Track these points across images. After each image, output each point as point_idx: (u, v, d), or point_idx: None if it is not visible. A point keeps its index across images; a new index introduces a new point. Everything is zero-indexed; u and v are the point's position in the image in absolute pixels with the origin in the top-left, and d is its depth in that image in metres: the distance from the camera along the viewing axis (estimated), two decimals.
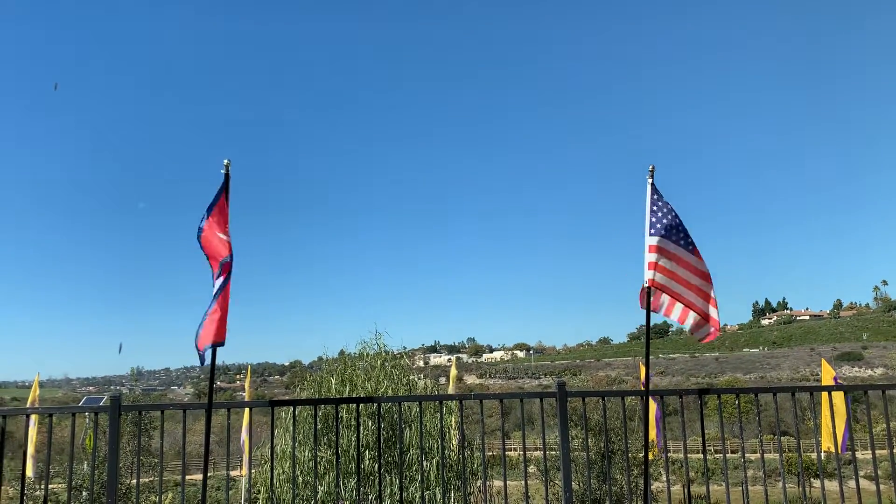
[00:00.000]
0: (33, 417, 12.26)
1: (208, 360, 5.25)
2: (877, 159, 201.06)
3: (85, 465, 18.57)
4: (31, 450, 12.54)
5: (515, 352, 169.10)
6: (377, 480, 7.08)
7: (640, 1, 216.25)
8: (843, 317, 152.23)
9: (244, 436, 17.40)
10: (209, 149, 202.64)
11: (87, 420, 15.41)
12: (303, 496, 9.36)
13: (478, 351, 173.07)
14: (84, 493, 18.36)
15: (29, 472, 12.50)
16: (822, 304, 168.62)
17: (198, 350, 5.08)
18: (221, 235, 5.25)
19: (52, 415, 5.98)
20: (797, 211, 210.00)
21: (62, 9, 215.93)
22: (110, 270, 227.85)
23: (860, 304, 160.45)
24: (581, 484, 16.28)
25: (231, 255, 5.23)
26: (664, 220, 5.42)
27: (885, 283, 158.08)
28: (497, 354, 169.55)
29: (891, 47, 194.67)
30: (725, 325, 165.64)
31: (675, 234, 5.43)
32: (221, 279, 5.18)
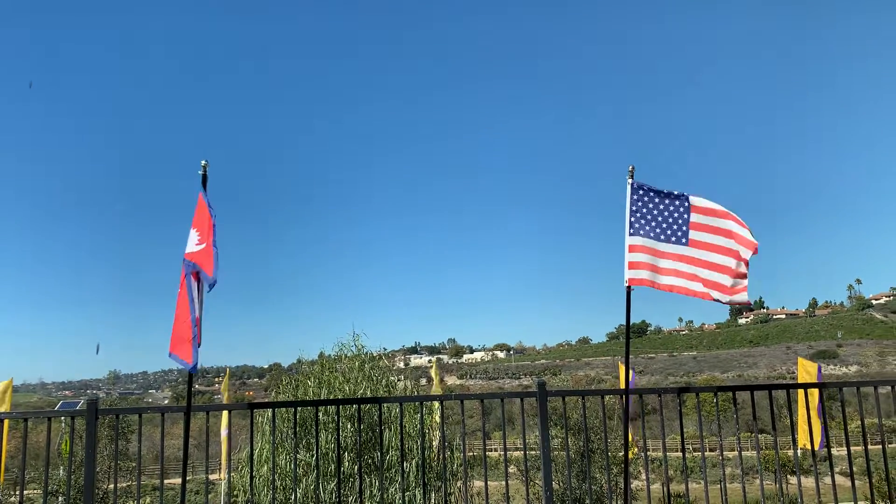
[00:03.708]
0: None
1: (189, 366, 4.88)
2: (851, 160, 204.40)
3: (61, 471, 18.32)
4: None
5: (496, 352, 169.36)
6: (357, 482, 7.07)
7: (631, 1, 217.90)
8: (818, 315, 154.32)
9: (223, 434, 17.20)
10: (186, 147, 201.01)
11: (63, 424, 15.21)
12: (282, 499, 9.30)
13: (458, 352, 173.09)
14: (60, 499, 18.11)
15: None
16: (798, 303, 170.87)
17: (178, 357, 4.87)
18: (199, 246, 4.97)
19: (28, 419, 5.90)
20: (772, 211, 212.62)
21: (46, 6, 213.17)
22: (86, 273, 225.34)
23: (835, 303, 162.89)
24: (561, 483, 16.34)
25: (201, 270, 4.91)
26: (647, 219, 5.51)
27: (858, 281, 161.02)
28: (477, 355, 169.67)
29: (863, 46, 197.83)
30: (703, 324, 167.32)
31: (661, 230, 5.50)
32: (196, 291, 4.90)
